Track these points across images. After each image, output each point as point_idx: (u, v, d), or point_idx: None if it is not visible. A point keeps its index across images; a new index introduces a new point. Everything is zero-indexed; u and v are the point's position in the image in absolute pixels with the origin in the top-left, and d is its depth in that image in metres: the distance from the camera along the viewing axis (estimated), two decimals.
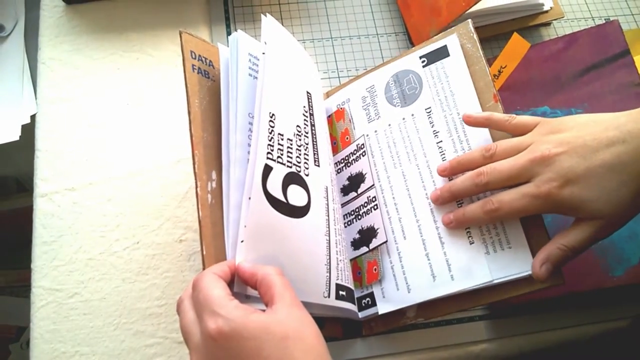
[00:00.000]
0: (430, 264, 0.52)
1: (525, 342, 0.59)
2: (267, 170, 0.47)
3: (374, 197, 0.55)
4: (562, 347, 0.59)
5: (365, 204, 0.56)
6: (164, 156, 0.64)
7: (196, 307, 0.40)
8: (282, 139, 0.49)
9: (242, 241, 0.44)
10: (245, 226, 0.44)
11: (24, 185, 1.06)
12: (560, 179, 0.44)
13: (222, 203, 0.47)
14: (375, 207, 0.55)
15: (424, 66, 0.58)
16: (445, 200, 0.52)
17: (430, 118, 0.55)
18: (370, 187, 0.56)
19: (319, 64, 0.71)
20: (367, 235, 0.55)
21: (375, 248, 0.54)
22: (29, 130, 0.65)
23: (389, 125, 0.58)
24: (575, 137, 0.45)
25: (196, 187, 0.46)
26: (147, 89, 0.68)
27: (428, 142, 0.55)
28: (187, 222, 0.61)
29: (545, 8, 0.73)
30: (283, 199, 0.48)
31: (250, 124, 0.49)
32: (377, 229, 0.55)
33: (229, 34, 0.71)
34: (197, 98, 0.49)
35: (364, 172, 0.58)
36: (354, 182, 0.58)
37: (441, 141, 0.54)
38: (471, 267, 0.50)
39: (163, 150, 0.65)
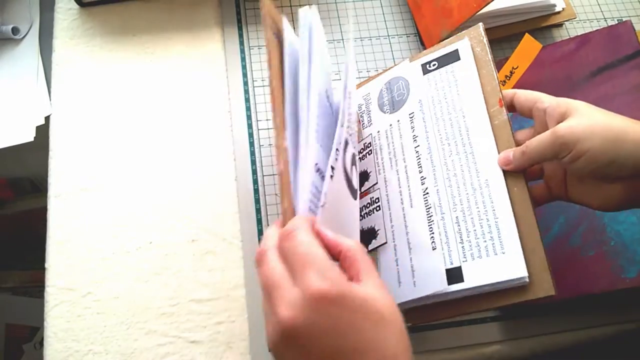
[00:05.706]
0: (398, 269, 0.52)
1: (537, 344, 0.58)
2: (346, 144, 0.46)
3: (378, 198, 0.55)
4: (573, 349, 0.59)
5: (369, 205, 0.56)
6: (176, 156, 0.65)
7: (291, 259, 0.37)
8: (351, 122, 0.49)
9: (322, 205, 0.42)
10: (325, 193, 0.43)
11: (38, 186, 1.07)
12: None
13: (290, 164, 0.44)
14: (378, 208, 0.55)
15: (433, 70, 0.57)
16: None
17: (412, 124, 0.55)
18: (374, 185, 0.57)
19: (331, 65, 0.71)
20: (366, 236, 0.55)
21: (374, 249, 0.55)
22: (43, 132, 0.66)
23: (378, 132, 0.58)
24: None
25: (276, 138, 0.43)
26: (160, 90, 0.68)
27: (408, 149, 0.55)
28: (200, 222, 0.61)
29: (557, 9, 0.72)
30: (350, 176, 0.47)
31: (329, 97, 0.48)
32: (378, 230, 0.55)
33: (240, 35, 0.72)
34: (276, 58, 0.47)
35: (368, 171, 0.58)
36: (360, 180, 0.58)
37: (419, 145, 0.54)
38: (431, 274, 0.49)
39: (175, 151, 0.65)
